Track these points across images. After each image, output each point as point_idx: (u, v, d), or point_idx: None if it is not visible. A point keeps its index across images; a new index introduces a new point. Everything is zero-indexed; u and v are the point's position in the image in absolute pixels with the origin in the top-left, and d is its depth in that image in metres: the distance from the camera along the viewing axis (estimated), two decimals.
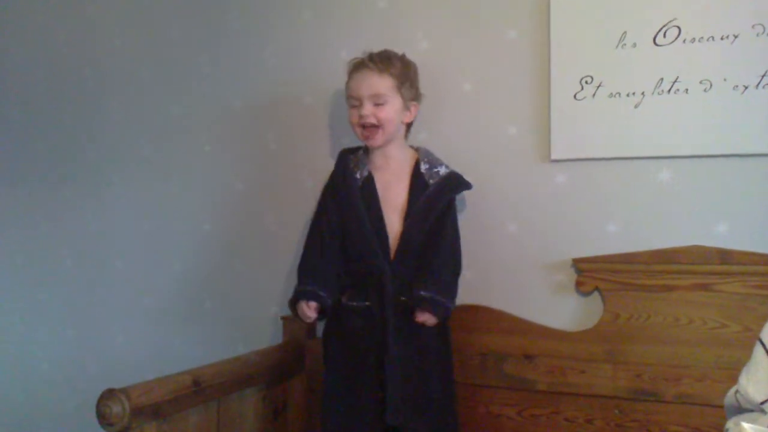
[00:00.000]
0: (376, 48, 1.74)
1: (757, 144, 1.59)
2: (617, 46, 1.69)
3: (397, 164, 1.74)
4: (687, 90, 1.64)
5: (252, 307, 2.12)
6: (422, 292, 1.62)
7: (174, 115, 2.24)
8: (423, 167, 1.72)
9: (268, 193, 2.10)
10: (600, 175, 1.72)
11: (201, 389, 1.61)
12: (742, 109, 1.59)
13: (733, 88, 1.60)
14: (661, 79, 1.66)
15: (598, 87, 1.71)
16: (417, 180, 1.71)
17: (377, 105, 1.67)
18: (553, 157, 1.75)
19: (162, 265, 2.25)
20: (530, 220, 1.78)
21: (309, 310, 1.66)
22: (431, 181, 1.70)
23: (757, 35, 1.58)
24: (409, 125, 1.77)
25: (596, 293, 1.70)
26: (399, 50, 1.76)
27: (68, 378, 2.39)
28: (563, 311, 1.74)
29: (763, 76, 1.57)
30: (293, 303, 1.70)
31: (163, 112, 2.26)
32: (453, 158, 1.80)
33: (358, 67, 1.71)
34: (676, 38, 1.65)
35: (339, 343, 1.70)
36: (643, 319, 1.64)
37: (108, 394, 1.53)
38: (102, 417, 1.53)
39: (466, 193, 1.81)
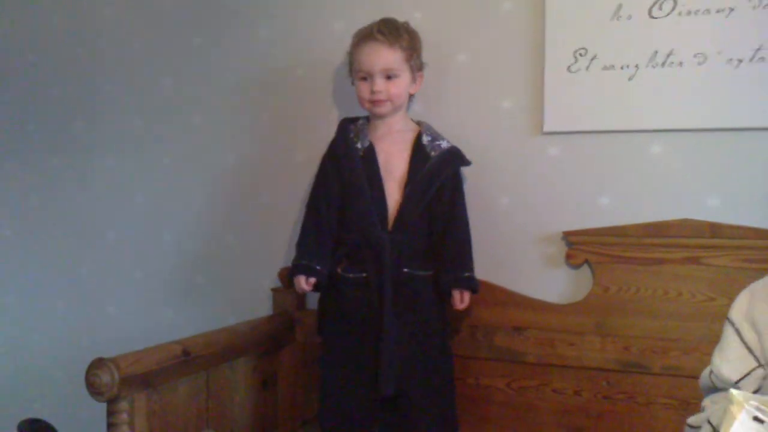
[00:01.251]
0: (367, 19, 1.72)
1: (750, 118, 1.59)
2: (612, 18, 1.68)
3: (399, 135, 1.73)
4: (681, 63, 1.63)
5: (244, 280, 2.11)
6: (466, 273, 1.66)
7: (166, 88, 2.21)
8: (425, 139, 1.71)
9: (261, 167, 2.08)
10: (593, 147, 1.71)
11: (190, 359, 1.61)
12: (736, 83, 1.59)
13: (727, 62, 1.59)
14: (656, 51, 1.65)
15: (592, 59, 1.70)
16: (418, 151, 1.70)
17: (388, 79, 1.66)
18: (546, 129, 1.74)
19: (154, 238, 2.23)
20: (523, 192, 1.78)
21: (306, 284, 1.67)
22: (433, 154, 1.68)
23: (753, 8, 1.57)
24: (411, 95, 1.77)
25: (586, 266, 1.71)
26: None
27: (60, 349, 2.38)
28: (554, 284, 1.74)
29: (757, 50, 1.57)
30: (290, 275, 1.71)
31: (154, 86, 2.22)
32: (447, 130, 1.78)
33: (366, 38, 1.67)
34: (672, 10, 1.63)
35: (336, 315, 1.70)
36: (633, 291, 1.65)
37: (97, 363, 1.53)
38: (91, 386, 1.52)
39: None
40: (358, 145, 1.71)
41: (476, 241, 1.80)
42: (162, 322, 2.20)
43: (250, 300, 2.07)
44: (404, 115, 1.75)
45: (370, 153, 1.70)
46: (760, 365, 1.03)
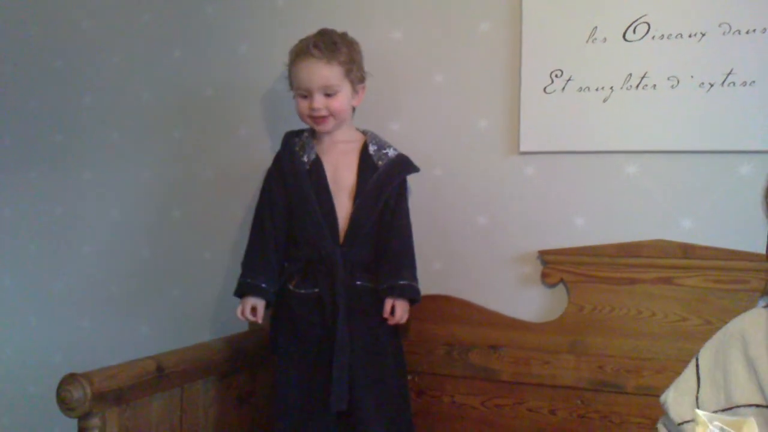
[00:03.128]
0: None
1: (722, 141, 1.61)
2: (588, 41, 1.71)
3: (345, 146, 1.71)
4: (655, 86, 1.66)
5: (220, 295, 2.10)
6: (401, 281, 1.62)
7: (144, 101, 2.21)
8: (371, 149, 1.70)
9: (237, 181, 2.08)
10: (568, 167, 1.73)
11: (164, 375, 1.60)
12: (708, 106, 1.61)
13: (700, 86, 1.62)
14: (630, 74, 1.67)
15: (567, 80, 1.73)
16: (366, 162, 1.69)
17: (328, 96, 1.64)
18: (522, 149, 1.76)
19: (130, 251, 2.22)
20: (499, 211, 1.79)
21: (249, 313, 1.66)
22: (380, 163, 1.68)
23: (723, 34, 1.60)
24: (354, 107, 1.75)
25: (561, 285, 1.72)
26: (372, 40, 1.76)
27: (32, 364, 2.35)
28: (529, 303, 1.75)
29: (728, 74, 1.60)
30: (235, 295, 1.69)
31: (132, 99, 2.23)
32: (423, 149, 1.81)
33: (302, 55, 1.64)
34: (646, 34, 1.66)
35: (288, 332, 1.68)
36: (607, 311, 1.66)
37: (69, 379, 1.51)
38: (62, 402, 1.51)
39: (435, 183, 1.82)
40: (304, 159, 1.69)
41: (453, 258, 1.82)
42: (137, 337, 2.19)
43: (226, 315, 2.06)
44: (349, 127, 1.74)
45: (317, 166, 1.69)
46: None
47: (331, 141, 1.71)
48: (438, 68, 1.85)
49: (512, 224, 1.78)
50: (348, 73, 1.65)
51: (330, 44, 1.63)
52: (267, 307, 1.69)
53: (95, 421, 1.48)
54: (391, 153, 1.70)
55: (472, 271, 1.80)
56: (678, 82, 1.64)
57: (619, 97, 1.69)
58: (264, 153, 2.02)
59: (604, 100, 1.70)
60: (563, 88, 1.73)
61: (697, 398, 1.03)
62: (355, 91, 1.69)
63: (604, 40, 1.70)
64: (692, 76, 1.63)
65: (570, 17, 1.72)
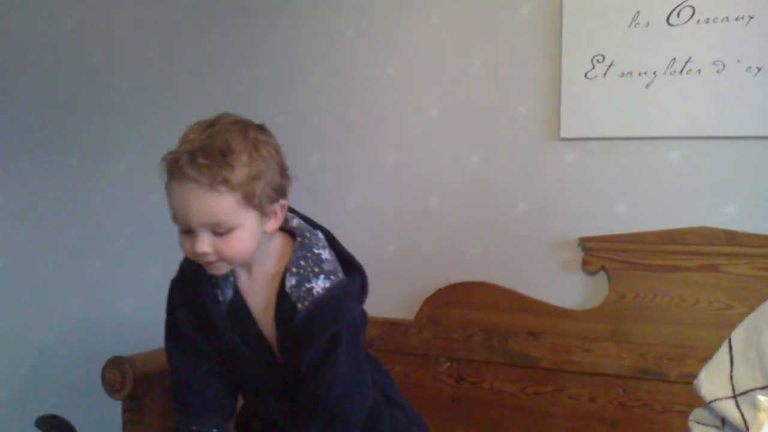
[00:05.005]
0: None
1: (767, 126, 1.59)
2: (630, 25, 1.68)
3: (264, 282, 1.21)
4: (699, 71, 1.63)
5: None
6: None
7: (182, 88, 2.22)
8: (289, 283, 1.16)
9: None
10: (610, 154, 1.71)
11: None
12: (755, 90, 1.58)
13: (746, 70, 1.59)
14: (674, 59, 1.65)
15: (609, 66, 1.70)
16: (282, 305, 1.17)
17: (218, 234, 1.11)
18: (563, 135, 1.74)
19: (171, 236, 2.23)
20: (539, 198, 1.77)
21: None
22: (300, 307, 1.15)
23: None
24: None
25: (602, 272, 1.70)
26: (409, 25, 1.76)
27: (74, 348, 2.38)
28: (569, 290, 1.74)
29: None
30: None
31: (170, 86, 2.24)
32: (461, 136, 1.79)
33: (174, 175, 1.09)
34: (690, 18, 1.63)
35: None
36: (649, 298, 1.64)
37: (113, 362, 1.54)
38: (107, 384, 1.53)
39: (473, 170, 1.80)
40: (220, 298, 1.22)
41: (492, 245, 1.81)
42: None
43: None
44: (267, 251, 1.20)
45: (239, 306, 1.22)
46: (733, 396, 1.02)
47: (248, 274, 1.22)
48: (476, 53, 1.84)
49: (552, 211, 1.76)
50: (248, 199, 1.10)
51: (215, 159, 1.07)
52: None
53: (138, 403, 1.51)
54: (317, 288, 1.15)
55: (511, 258, 1.79)
56: (724, 66, 1.61)
57: (663, 82, 1.66)
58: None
59: (647, 86, 1.67)
60: (605, 74, 1.71)
61: (731, 377, 1.02)
62: (264, 215, 1.14)
63: (647, 24, 1.67)
64: (738, 60, 1.60)
65: (612, 1, 1.70)
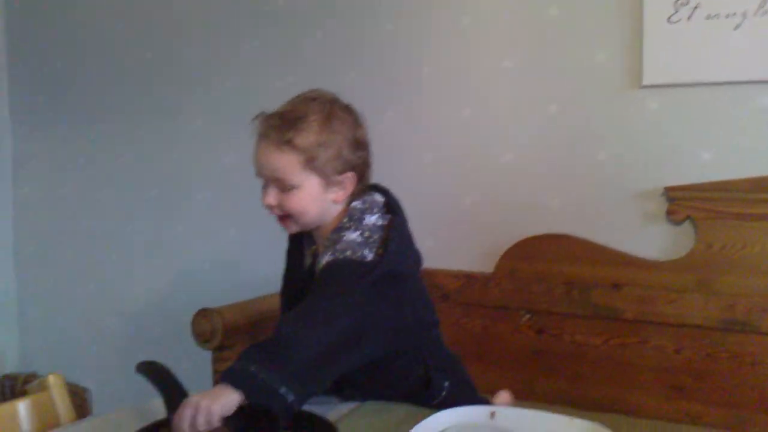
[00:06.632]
0: None
1: None
2: None
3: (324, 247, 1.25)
4: None
5: None
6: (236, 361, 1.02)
7: (247, 52, 2.24)
8: (332, 235, 1.21)
9: None
10: (695, 100, 1.66)
11: None
12: None
13: None
14: None
15: (694, 9, 1.64)
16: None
17: (283, 191, 1.21)
18: (645, 82, 1.69)
19: (248, 196, 2.27)
20: (621, 147, 1.73)
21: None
22: (325, 258, 1.18)
23: None
24: (361, 185, 1.26)
25: (688, 222, 1.66)
26: None
27: (162, 303, 2.45)
28: (653, 241, 1.70)
29: None
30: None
31: (236, 50, 2.26)
32: (537, 86, 1.76)
33: (258, 134, 1.23)
34: None
35: None
36: (738, 248, 1.59)
37: (202, 314, 1.58)
38: (197, 335, 1.58)
39: (550, 120, 1.77)
40: (307, 261, 1.31)
41: (572, 196, 1.78)
42: (258, 275, 2.24)
43: None
44: (336, 219, 1.24)
45: (312, 272, 1.25)
46: None
47: (322, 240, 1.26)
48: (552, 0, 1.79)
49: (634, 160, 1.72)
50: (309, 163, 1.19)
51: (289, 121, 1.19)
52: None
53: (229, 353, 1.54)
54: (348, 237, 1.17)
55: (592, 209, 1.76)
56: None
57: (752, 23, 1.59)
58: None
59: (735, 27, 1.61)
60: (689, 17, 1.65)
61: None
62: (329, 184, 1.22)
63: None
64: None
65: None
